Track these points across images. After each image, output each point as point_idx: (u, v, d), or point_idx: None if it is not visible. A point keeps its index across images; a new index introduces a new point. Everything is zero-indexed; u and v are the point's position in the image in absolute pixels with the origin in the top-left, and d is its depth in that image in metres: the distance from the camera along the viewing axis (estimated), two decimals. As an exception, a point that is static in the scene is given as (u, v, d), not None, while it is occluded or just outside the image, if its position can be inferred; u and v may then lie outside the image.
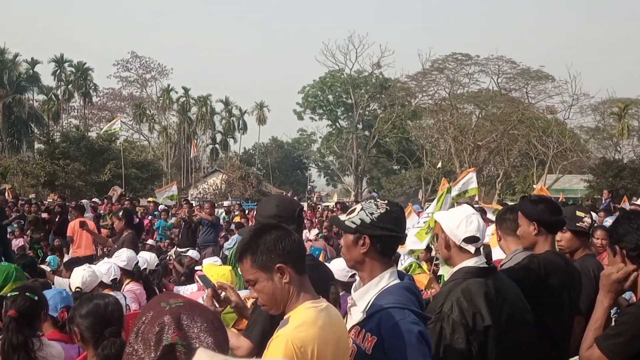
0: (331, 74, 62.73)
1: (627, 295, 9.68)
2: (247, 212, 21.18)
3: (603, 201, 19.33)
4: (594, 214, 10.85)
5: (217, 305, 3.18)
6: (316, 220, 19.32)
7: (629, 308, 3.01)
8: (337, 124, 66.10)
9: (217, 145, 76.68)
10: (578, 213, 4.72)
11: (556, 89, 52.15)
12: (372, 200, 2.96)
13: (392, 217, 2.87)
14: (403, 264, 8.88)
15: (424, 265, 8.75)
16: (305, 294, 2.51)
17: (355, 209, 2.92)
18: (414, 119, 58.37)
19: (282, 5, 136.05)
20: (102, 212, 19.41)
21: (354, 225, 2.85)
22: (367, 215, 2.85)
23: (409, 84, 58.57)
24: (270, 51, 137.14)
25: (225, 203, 25.45)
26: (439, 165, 44.69)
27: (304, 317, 2.43)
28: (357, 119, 60.70)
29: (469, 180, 11.08)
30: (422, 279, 7.64)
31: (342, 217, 2.93)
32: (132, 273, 6.76)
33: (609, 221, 9.88)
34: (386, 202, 2.95)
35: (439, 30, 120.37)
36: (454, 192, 10.56)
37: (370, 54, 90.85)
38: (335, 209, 20.00)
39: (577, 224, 4.65)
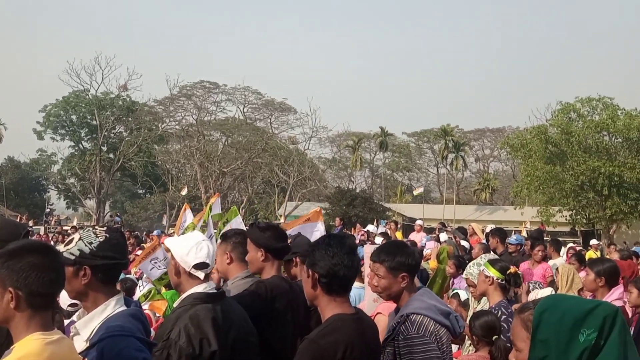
0: (75, 93, 59.84)
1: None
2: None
3: (336, 228, 20.75)
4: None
5: None
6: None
7: (303, 343, 3.10)
8: (81, 145, 63.18)
9: (-57, 164, 68.97)
10: None
11: (298, 121, 55.10)
12: (91, 229, 2.89)
13: (112, 244, 2.84)
14: (142, 290, 8.73)
15: (164, 292, 8.69)
16: (36, 325, 2.39)
17: (73, 239, 2.84)
18: (160, 143, 57.80)
19: (24, 20, 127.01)
20: None
21: (72, 257, 2.77)
22: (85, 245, 2.79)
23: (156, 108, 57.99)
24: (9, 65, 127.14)
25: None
26: (185, 191, 44.57)
27: (29, 349, 2.32)
28: (101, 141, 58.43)
29: (215, 205, 11.25)
30: (160, 305, 7.60)
31: (60, 248, 2.82)
32: None
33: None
34: (105, 229, 2.90)
35: (186, 56, 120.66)
36: (202, 220, 10.72)
37: (118, 76, 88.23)
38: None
39: None
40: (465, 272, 5.78)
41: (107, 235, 2.85)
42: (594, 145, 38.47)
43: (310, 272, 3.15)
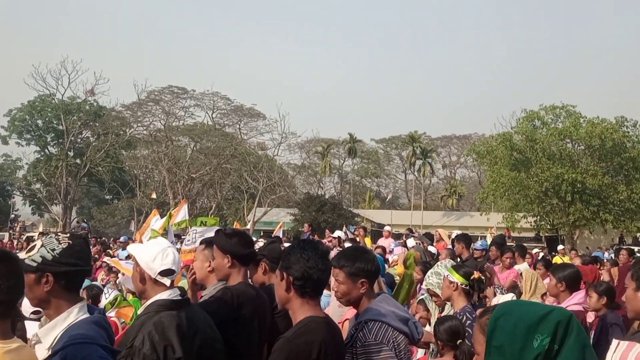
0: (41, 98, 58.97)
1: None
2: None
3: (305, 234, 20.80)
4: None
5: None
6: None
7: (278, 342, 3.15)
8: (47, 150, 62.31)
9: None
10: None
11: (267, 127, 55.16)
12: (53, 235, 2.86)
13: (75, 251, 2.82)
14: (108, 297, 8.66)
15: (130, 298, 8.62)
16: None
17: (35, 245, 2.80)
18: (128, 148, 57.35)
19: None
20: None
21: (34, 264, 2.74)
22: (48, 251, 2.75)
23: (124, 114, 57.48)
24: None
25: None
26: (153, 196, 44.26)
27: (-13, 357, 2.30)
28: (67, 146, 57.68)
29: (182, 212, 11.26)
30: (127, 312, 7.54)
31: (22, 254, 2.78)
32: None
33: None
34: (68, 235, 2.87)
35: (156, 61, 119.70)
36: (176, 221, 10.75)
37: (84, 81, 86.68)
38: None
39: None
40: (425, 283, 5.80)
41: (70, 241, 2.82)
42: (558, 152, 39.13)
43: (284, 275, 3.20)
